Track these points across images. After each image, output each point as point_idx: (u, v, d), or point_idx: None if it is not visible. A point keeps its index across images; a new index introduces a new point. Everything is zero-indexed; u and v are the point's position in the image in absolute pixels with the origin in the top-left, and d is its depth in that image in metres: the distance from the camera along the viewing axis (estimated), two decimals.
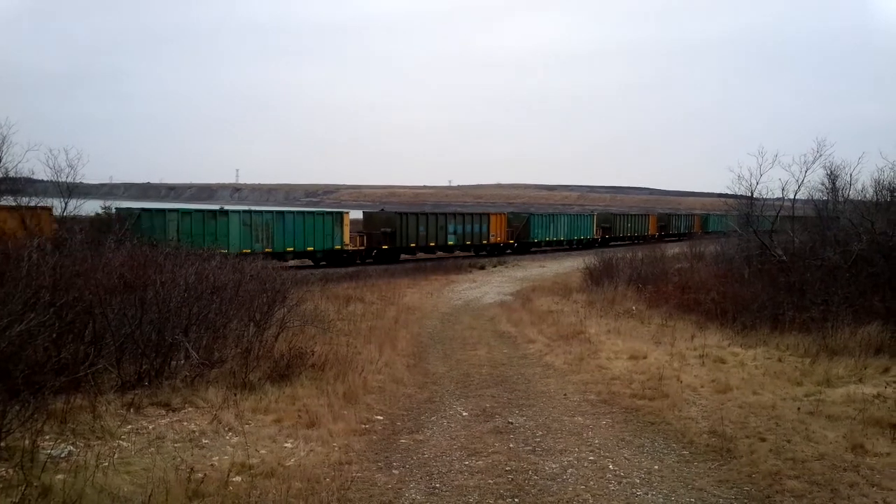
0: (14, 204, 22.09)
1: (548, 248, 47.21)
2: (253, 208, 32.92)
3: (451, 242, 39.04)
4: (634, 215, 61.07)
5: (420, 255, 37.70)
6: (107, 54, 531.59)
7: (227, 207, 31.95)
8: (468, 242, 40.25)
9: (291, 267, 26.20)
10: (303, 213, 33.39)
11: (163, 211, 28.13)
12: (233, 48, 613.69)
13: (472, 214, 42.80)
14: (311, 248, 31.37)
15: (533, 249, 45.56)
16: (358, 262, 33.38)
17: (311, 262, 31.43)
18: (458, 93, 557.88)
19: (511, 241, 43.76)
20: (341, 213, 33.82)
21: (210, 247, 17.57)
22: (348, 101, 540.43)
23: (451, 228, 39.17)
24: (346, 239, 32.99)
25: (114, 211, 27.39)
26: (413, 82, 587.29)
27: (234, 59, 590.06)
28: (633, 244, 43.42)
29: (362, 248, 34.47)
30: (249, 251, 26.23)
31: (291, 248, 30.56)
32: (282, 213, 32.32)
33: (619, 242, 51.04)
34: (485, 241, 41.25)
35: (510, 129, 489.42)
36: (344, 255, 32.83)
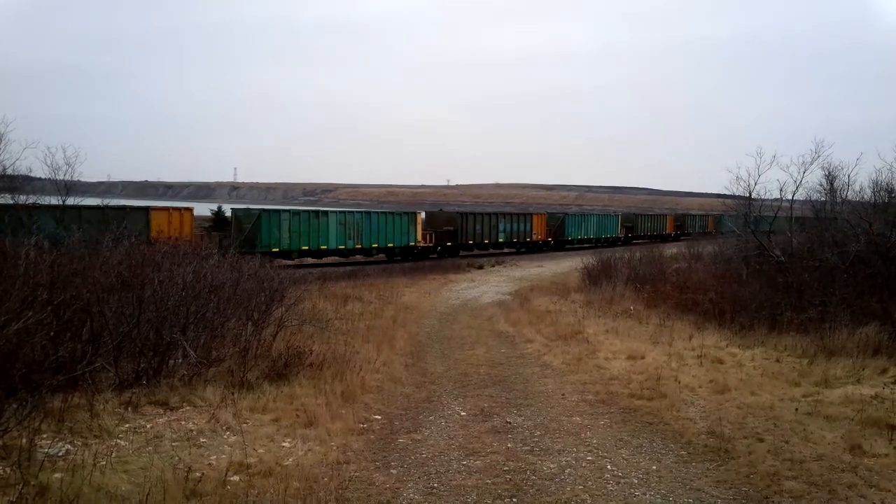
0: (164, 206, 23.60)
1: (579, 246, 49.36)
2: (346, 210, 37.82)
3: (501, 240, 42.69)
4: (654, 215, 64.86)
5: (475, 251, 41.10)
6: (104, 53, 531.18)
7: (326, 209, 36.32)
8: (514, 240, 43.94)
9: (367, 263, 31.91)
10: (384, 214, 37.00)
11: (278, 211, 31.35)
12: (231, 46, 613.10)
13: (518, 214, 47.51)
14: (391, 245, 35.13)
15: (567, 247, 48.37)
16: (431, 256, 37.39)
17: (385, 258, 35.24)
18: (456, 92, 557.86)
19: (549, 239, 47.21)
20: (415, 214, 37.94)
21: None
22: (346, 99, 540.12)
23: (501, 227, 42.84)
24: (419, 237, 36.85)
25: (229, 212, 30.67)
26: (411, 81, 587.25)
27: (232, 57, 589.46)
28: (653, 242, 45.89)
29: (431, 244, 38.03)
30: (344, 247, 32.29)
31: (376, 245, 34.42)
32: (368, 213, 36.34)
33: (640, 241, 53.74)
34: (528, 239, 44.98)
35: (508, 128, 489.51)
36: (416, 251, 36.51)
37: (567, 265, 34.11)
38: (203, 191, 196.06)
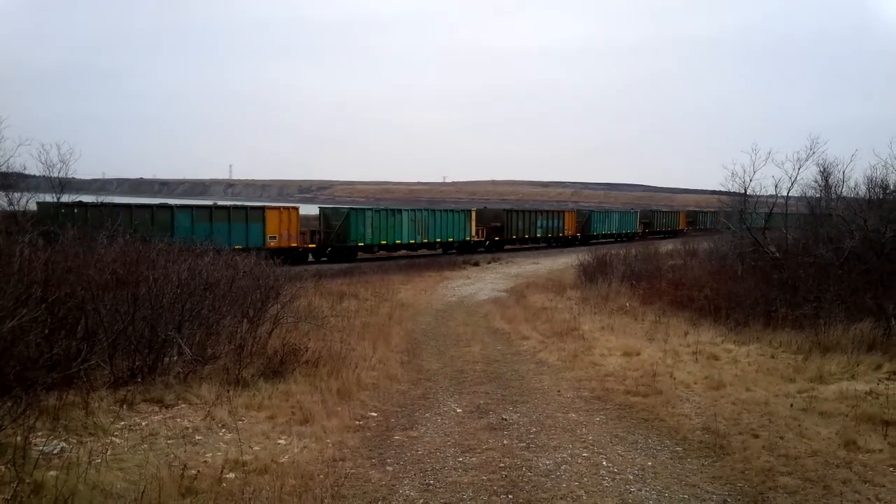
0: (275, 205, 29.25)
1: (603, 240, 52.19)
2: (416, 209, 40.74)
3: (538, 234, 47.15)
4: (668, 212, 68.72)
5: (517, 245, 45.63)
6: (99, 51, 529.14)
7: (400, 208, 40.32)
8: (549, 235, 48.30)
9: (422, 256, 35.98)
10: (447, 211, 41.22)
11: (363, 210, 35.97)
12: (226, 44, 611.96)
13: (553, 212, 51.80)
14: (451, 239, 39.41)
15: (591, 242, 50.53)
16: (480, 249, 41.76)
17: (441, 251, 39.30)
18: (451, 90, 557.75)
19: (577, 234, 51.08)
20: (470, 212, 42.42)
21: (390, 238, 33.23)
22: (341, 97, 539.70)
23: (539, 223, 47.33)
24: (473, 232, 41.36)
25: (318, 210, 34.86)
26: (406, 79, 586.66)
27: (228, 55, 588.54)
28: (667, 237, 49.65)
29: (482, 238, 42.49)
30: (413, 241, 36.93)
31: (439, 239, 38.67)
32: (433, 211, 40.13)
33: (656, 236, 57.43)
34: (560, 234, 49.39)
35: (503, 125, 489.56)
36: (471, 244, 41.03)
37: (563, 262, 34.13)
38: (198, 188, 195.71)
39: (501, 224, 43.87)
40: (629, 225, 58.41)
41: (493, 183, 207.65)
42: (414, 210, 39.11)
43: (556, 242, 48.57)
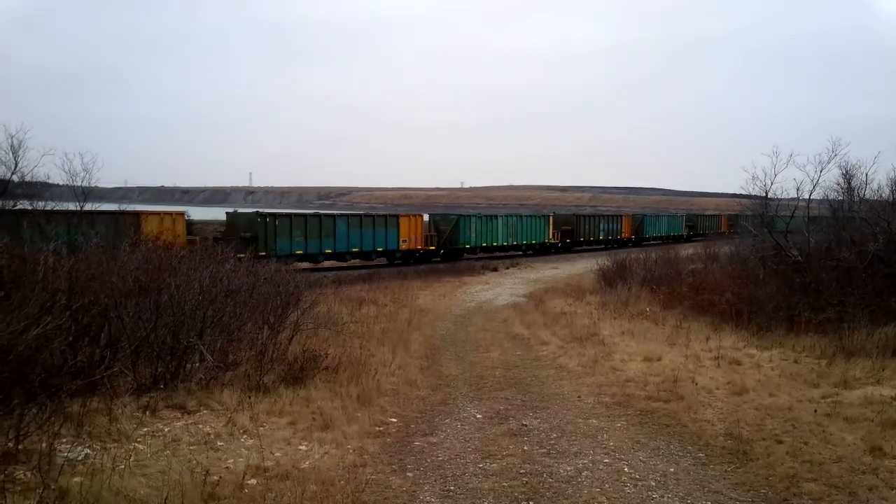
0: (406, 213, 35.99)
1: (654, 242, 55.19)
2: (509, 215, 45.98)
3: (601, 237, 51.52)
4: (710, 215, 71.21)
5: (584, 246, 49.86)
6: (119, 56, 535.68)
7: (496, 214, 45.53)
8: (609, 237, 52.12)
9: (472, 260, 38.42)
10: (531, 217, 47.04)
11: (469, 216, 40.96)
12: (245, 50, 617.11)
13: (612, 216, 56.87)
14: (534, 242, 44.72)
15: (644, 243, 53.49)
16: (552, 251, 46.73)
17: (520, 253, 43.77)
18: (469, 93, 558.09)
19: (632, 237, 55.06)
20: (549, 217, 48.06)
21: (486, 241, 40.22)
22: (359, 102, 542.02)
23: (602, 227, 52.29)
24: (550, 235, 46.58)
25: (426, 217, 38.90)
26: (424, 83, 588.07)
27: (246, 61, 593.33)
28: (708, 238, 50.06)
29: (557, 241, 47.61)
30: (506, 244, 42.23)
31: (525, 242, 43.87)
32: (521, 217, 45.86)
33: (699, 238, 58.66)
34: (619, 237, 53.18)
35: (521, 129, 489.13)
36: (548, 246, 46.32)
37: (581, 266, 34.00)
38: (219, 195, 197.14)
39: (571, 228, 49.16)
40: (676, 228, 62.24)
41: (511, 188, 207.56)
42: (507, 216, 44.68)
43: (615, 244, 50.91)
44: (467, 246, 39.55)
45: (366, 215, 36.07)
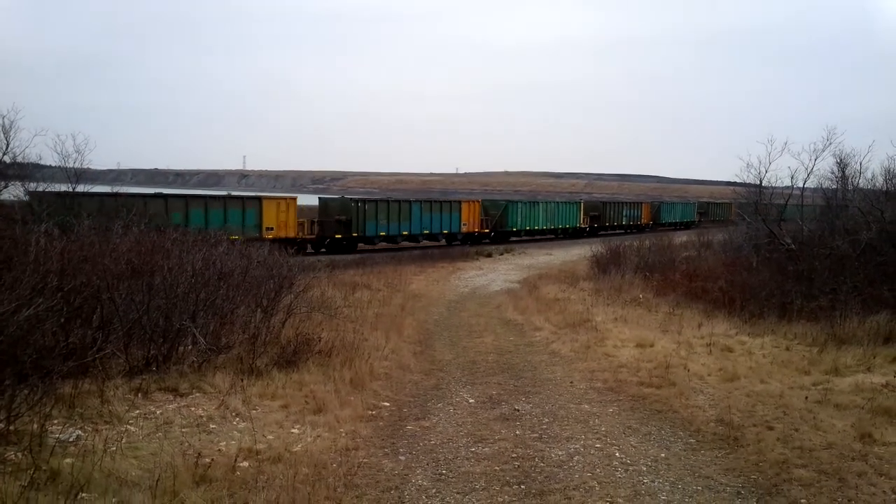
0: (466, 199, 42.92)
1: (669, 228, 58.71)
2: (549, 201, 52.98)
3: (623, 222, 56.35)
4: (720, 203, 72.84)
5: (609, 231, 52.24)
6: (112, 40, 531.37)
7: (537, 201, 53.35)
8: (631, 223, 56.92)
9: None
10: (566, 203, 53.33)
11: (516, 202, 47.56)
12: (240, 33, 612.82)
13: (633, 203, 62.63)
14: (567, 226, 49.61)
15: (659, 228, 57.37)
16: (584, 234, 49.72)
17: (552, 236, 49.03)
18: (464, 80, 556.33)
19: (650, 222, 59.85)
20: (580, 203, 53.99)
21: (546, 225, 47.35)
22: (354, 87, 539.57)
23: (625, 213, 57.41)
24: (581, 220, 51.47)
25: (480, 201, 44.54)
26: (420, 70, 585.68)
27: (242, 44, 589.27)
28: (718, 224, 51.63)
29: (586, 225, 52.07)
30: (545, 228, 47.60)
31: (560, 226, 48.97)
32: (558, 204, 52.11)
33: (710, 224, 61.50)
34: (639, 222, 58.23)
35: (516, 116, 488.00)
36: (579, 230, 50.73)
37: (576, 253, 34.04)
38: (212, 178, 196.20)
39: (599, 213, 54.19)
40: (689, 214, 66.82)
41: (507, 174, 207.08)
42: (547, 203, 51.93)
43: (635, 229, 55.49)
44: (514, 229, 44.51)
45: (436, 201, 41.31)
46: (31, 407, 6.08)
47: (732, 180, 26.24)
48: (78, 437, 6.26)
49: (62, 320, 7.63)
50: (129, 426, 6.83)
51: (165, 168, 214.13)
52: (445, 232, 38.95)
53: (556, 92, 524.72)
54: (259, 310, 10.93)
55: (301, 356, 9.68)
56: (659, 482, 6.16)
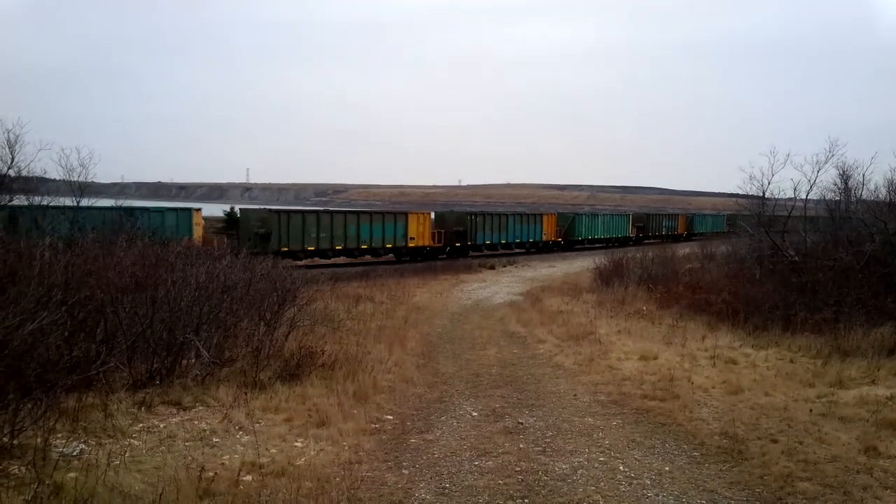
0: (546, 213, 49.55)
1: (699, 238, 59.17)
2: (605, 213, 59.39)
3: (664, 232, 61.61)
4: (746, 215, 73.36)
5: (652, 240, 55.46)
6: (116, 53, 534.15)
7: (597, 213, 59.24)
8: (669, 233, 62.23)
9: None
10: (619, 215, 59.18)
11: (581, 215, 53.36)
12: (243, 47, 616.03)
13: (671, 215, 68.73)
14: (619, 236, 54.59)
15: (693, 238, 60.63)
16: (630, 244, 51.49)
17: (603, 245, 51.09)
18: (466, 92, 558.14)
19: (684, 232, 64.69)
20: (629, 216, 60.16)
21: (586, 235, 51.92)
22: (357, 100, 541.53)
23: (665, 223, 63.45)
24: (630, 231, 56.49)
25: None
26: (422, 82, 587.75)
27: (245, 57, 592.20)
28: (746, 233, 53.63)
29: (633, 235, 56.85)
30: (603, 237, 52.45)
31: (612, 235, 53.65)
32: (612, 215, 58.02)
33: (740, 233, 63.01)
34: (675, 232, 63.27)
35: (518, 128, 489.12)
36: (628, 239, 54.91)
37: (579, 265, 34.03)
38: (216, 191, 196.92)
39: (643, 224, 60.00)
40: (720, 225, 68.92)
41: (509, 186, 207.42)
42: (604, 215, 57.41)
43: (671, 238, 59.75)
44: (579, 238, 50.63)
45: (513, 214, 47.49)
46: (34, 421, 6.09)
47: (736, 192, 26.25)
48: (81, 451, 6.27)
49: (66, 334, 7.64)
50: (132, 440, 6.82)
51: (169, 181, 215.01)
52: (531, 240, 45.79)
53: (559, 103, 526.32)
54: (262, 323, 10.94)
55: (304, 369, 9.68)
56: (663, 496, 6.14)
